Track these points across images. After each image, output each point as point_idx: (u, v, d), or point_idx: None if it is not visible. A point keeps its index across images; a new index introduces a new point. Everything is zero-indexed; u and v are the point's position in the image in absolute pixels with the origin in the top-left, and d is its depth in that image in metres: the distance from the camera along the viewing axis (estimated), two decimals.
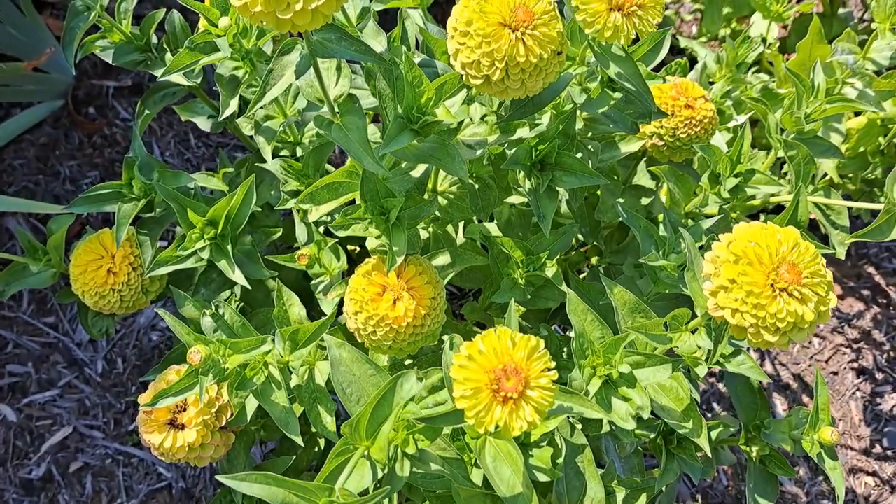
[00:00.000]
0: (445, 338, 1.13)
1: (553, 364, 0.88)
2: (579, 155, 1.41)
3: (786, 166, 1.51)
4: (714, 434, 1.33)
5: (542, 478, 1.06)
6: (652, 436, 1.30)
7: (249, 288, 1.29)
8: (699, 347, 1.11)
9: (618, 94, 1.19)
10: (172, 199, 1.28)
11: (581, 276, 1.71)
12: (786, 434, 1.40)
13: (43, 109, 2.52)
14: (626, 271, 1.49)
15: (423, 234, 1.54)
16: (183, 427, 1.22)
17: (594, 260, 1.73)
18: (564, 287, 1.23)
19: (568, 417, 1.14)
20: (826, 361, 2.53)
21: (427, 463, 1.05)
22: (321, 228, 1.47)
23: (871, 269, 2.66)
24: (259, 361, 1.15)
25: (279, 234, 1.51)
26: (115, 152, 2.60)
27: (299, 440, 1.15)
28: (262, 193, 1.56)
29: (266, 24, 0.94)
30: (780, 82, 1.87)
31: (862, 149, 2.20)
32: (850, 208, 1.59)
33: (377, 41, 1.17)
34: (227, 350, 1.10)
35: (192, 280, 1.47)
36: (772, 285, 0.93)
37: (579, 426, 1.23)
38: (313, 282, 1.42)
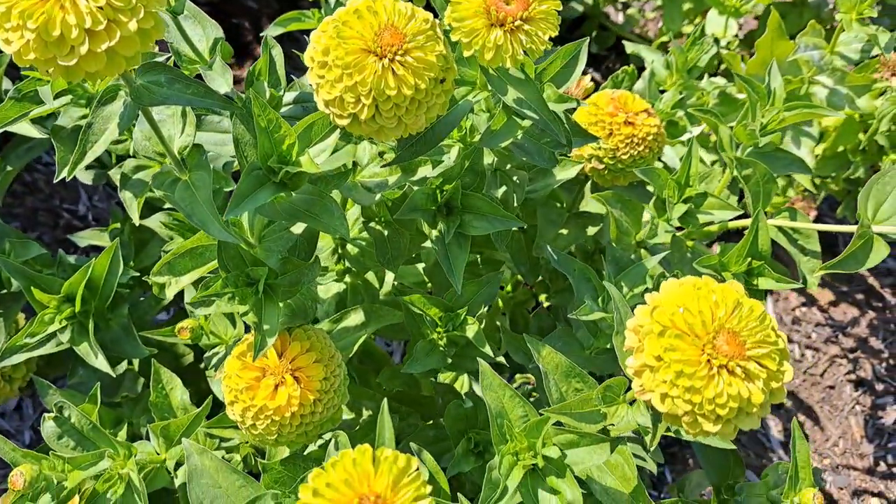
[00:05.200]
0: (329, 435, 0.94)
1: (428, 489, 0.68)
2: (503, 189, 1.22)
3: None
4: None
5: None
6: None
7: (113, 375, 1.10)
8: (639, 425, 0.92)
9: (527, 122, 1.00)
10: (18, 274, 1.09)
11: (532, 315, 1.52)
12: (762, 497, 1.20)
13: None
14: (572, 317, 1.30)
15: (338, 287, 1.35)
16: None
17: (542, 298, 1.54)
18: (481, 358, 1.04)
19: None
20: (821, 375, 2.34)
21: None
22: None
23: (863, 271, 2.47)
24: (115, 471, 0.96)
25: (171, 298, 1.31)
26: (38, 200, 2.41)
27: None
28: (151, 252, 1.37)
29: (52, 75, 0.75)
30: (739, 86, 1.67)
31: (841, 147, 2.01)
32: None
33: (224, 79, 0.97)
34: (66, 466, 0.91)
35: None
36: (708, 361, 0.74)
37: None
38: (206, 354, 1.22)
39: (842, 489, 2.17)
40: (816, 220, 2.48)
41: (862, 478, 2.18)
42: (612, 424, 0.92)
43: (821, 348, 2.35)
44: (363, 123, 0.87)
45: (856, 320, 2.38)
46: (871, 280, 2.46)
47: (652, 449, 0.86)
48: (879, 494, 2.16)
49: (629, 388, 0.95)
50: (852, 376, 2.31)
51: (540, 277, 1.47)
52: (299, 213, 0.96)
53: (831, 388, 2.31)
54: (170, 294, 0.99)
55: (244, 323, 1.22)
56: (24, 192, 2.43)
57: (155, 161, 0.90)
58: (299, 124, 0.94)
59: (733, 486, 1.23)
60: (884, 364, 2.33)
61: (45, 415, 0.97)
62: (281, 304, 0.97)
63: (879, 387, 2.31)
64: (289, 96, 1.05)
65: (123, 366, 1.37)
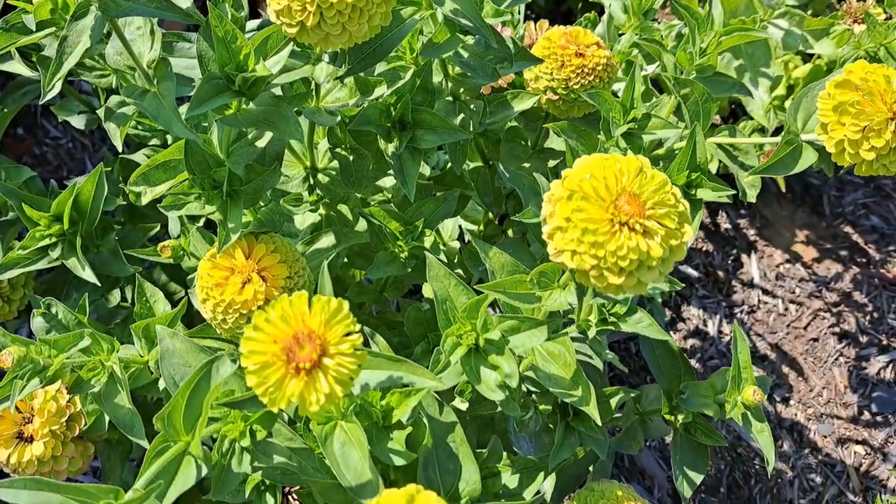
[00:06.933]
0: None
1: (357, 327, 0.77)
2: (461, 116, 1.31)
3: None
4: (613, 402, 1.22)
5: (400, 461, 0.95)
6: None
7: (99, 285, 1.20)
8: (570, 305, 1.00)
9: (470, 38, 1.09)
10: (11, 195, 1.19)
11: None
12: (709, 398, 1.27)
13: None
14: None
15: (313, 217, 1.44)
16: (32, 439, 1.13)
17: (511, 233, 1.62)
18: (428, 255, 1.12)
19: (436, 394, 1.04)
20: (805, 328, 2.38)
21: (269, 456, 0.94)
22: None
23: (847, 229, 2.53)
24: (97, 362, 1.06)
25: (157, 229, 1.41)
26: (47, 172, 2.53)
27: (146, 444, 1.05)
28: None
29: None
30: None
31: None
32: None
33: None
34: (50, 350, 1.01)
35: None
36: (611, 220, 0.82)
37: (462, 404, 1.12)
38: (189, 276, 1.32)
39: (826, 437, 2.22)
40: (797, 176, 2.53)
41: (846, 426, 2.23)
42: (547, 306, 1.01)
43: (804, 303, 2.40)
44: (310, 31, 0.97)
45: (839, 275, 2.43)
46: (856, 237, 2.51)
47: (578, 321, 0.94)
48: (863, 442, 2.21)
49: (563, 274, 1.03)
50: (836, 329, 2.35)
51: (507, 212, 1.56)
52: (259, 122, 1.06)
53: (815, 340, 2.36)
54: (145, 200, 1.09)
55: None
56: (34, 164, 2.55)
57: (127, 73, 1.00)
58: (255, 37, 1.03)
59: (682, 391, 1.30)
60: (867, 317, 2.37)
61: (35, 310, 1.07)
62: (249, 215, 1.06)
63: (863, 339, 2.35)
64: (252, 24, 1.15)
65: (117, 298, 1.48)
